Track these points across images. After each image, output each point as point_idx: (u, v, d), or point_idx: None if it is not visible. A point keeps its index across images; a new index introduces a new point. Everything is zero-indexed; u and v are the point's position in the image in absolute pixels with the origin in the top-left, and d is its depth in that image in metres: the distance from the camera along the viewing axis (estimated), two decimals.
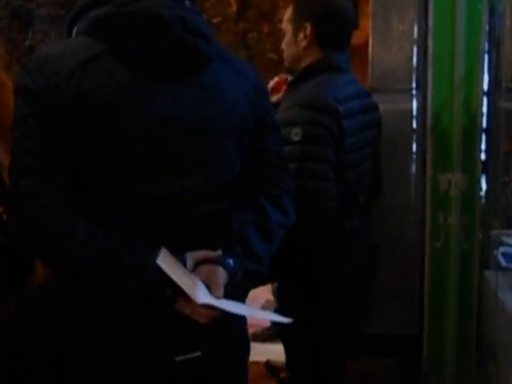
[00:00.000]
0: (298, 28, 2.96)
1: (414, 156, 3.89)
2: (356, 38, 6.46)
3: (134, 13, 1.89)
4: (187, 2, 1.99)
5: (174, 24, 1.89)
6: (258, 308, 1.99)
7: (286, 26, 3.03)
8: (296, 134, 2.69)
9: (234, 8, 8.17)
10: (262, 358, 4.39)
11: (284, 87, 3.65)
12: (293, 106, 2.81)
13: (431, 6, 3.73)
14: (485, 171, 3.82)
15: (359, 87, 3.09)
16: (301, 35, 2.95)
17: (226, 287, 1.92)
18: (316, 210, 2.66)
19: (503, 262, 3.14)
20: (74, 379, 1.99)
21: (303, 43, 2.94)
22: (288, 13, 3.04)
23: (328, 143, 2.72)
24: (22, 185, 1.82)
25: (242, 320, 2.14)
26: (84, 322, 1.96)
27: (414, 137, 3.87)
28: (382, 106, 3.39)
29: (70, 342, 1.98)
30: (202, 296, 1.82)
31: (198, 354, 1.99)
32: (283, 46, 3.06)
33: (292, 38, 2.99)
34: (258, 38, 8.32)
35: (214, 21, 7.82)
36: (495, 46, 3.70)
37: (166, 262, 1.82)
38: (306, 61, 2.96)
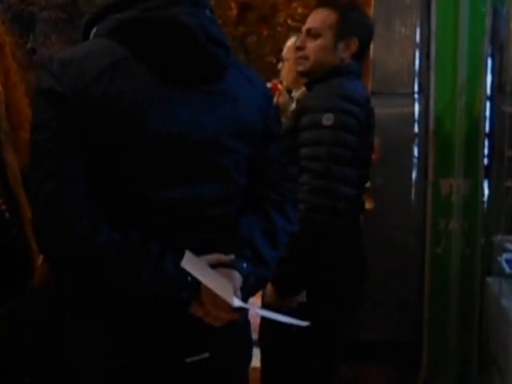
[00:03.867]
0: (341, 37, 3.00)
1: (416, 160, 3.87)
2: None
3: (159, 19, 1.89)
4: (208, 11, 1.99)
5: (197, 33, 1.89)
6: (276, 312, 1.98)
7: (324, 30, 3.04)
8: (328, 118, 2.79)
9: (235, 11, 8.20)
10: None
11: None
12: (329, 96, 2.88)
13: (434, 10, 3.72)
14: (487, 176, 3.79)
15: (366, 93, 3.15)
16: (341, 45, 3.00)
17: (241, 291, 1.91)
18: (334, 195, 2.78)
19: (507, 269, 3.11)
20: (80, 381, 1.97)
21: (344, 54, 3.00)
22: (328, 18, 3.04)
23: (356, 133, 2.82)
24: (46, 188, 1.80)
25: (246, 324, 2.13)
26: (91, 324, 1.93)
27: (416, 141, 3.86)
28: (384, 110, 3.38)
29: (77, 344, 1.97)
30: (236, 299, 1.81)
31: (206, 355, 1.97)
32: (311, 46, 3.05)
33: (331, 45, 3.01)
34: (258, 42, 8.35)
35: None
36: (498, 50, 3.69)
37: (192, 265, 1.80)
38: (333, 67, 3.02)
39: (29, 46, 7.26)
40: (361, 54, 3.05)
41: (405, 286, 4.01)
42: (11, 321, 2.19)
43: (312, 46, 3.04)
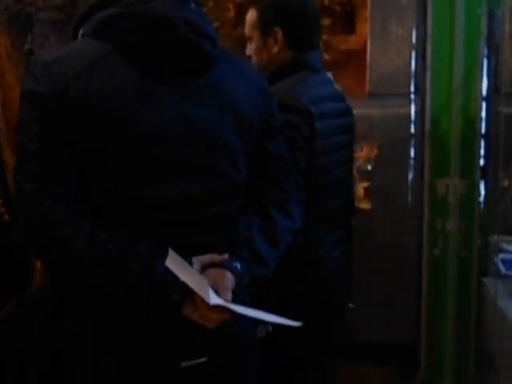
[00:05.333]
0: (266, 33, 2.86)
1: (412, 161, 3.87)
2: (353, 43, 6.44)
3: (139, 13, 1.89)
4: (192, 5, 1.99)
5: (178, 24, 1.89)
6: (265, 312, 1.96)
7: (252, 32, 2.90)
8: None
9: (232, 13, 8.19)
10: None
11: None
12: None
13: (430, 11, 3.71)
14: (484, 176, 3.79)
15: (333, 89, 3.00)
16: (270, 40, 2.85)
17: (234, 291, 1.91)
18: None
19: (503, 269, 3.11)
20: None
21: (275, 48, 2.85)
22: (251, 18, 2.91)
23: (298, 147, 2.63)
24: (27, 189, 1.82)
25: (249, 325, 2.13)
26: (87, 328, 1.94)
27: (412, 142, 3.85)
28: (380, 111, 3.38)
29: (75, 348, 1.98)
30: (213, 297, 1.81)
31: (204, 359, 1.97)
32: (249, 53, 2.93)
33: (261, 44, 2.88)
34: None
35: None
36: (494, 51, 3.68)
37: (174, 263, 1.80)
38: (278, 65, 2.86)
39: (26, 47, 7.25)
40: (300, 42, 2.87)
41: (402, 286, 4.00)
42: (11, 324, 2.20)
43: (249, 51, 2.94)
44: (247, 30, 2.92)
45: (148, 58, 1.89)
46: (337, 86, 3.05)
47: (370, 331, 4.00)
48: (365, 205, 4.09)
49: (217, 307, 1.81)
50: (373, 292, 3.94)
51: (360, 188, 4.17)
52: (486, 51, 3.69)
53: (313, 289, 2.80)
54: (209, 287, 1.82)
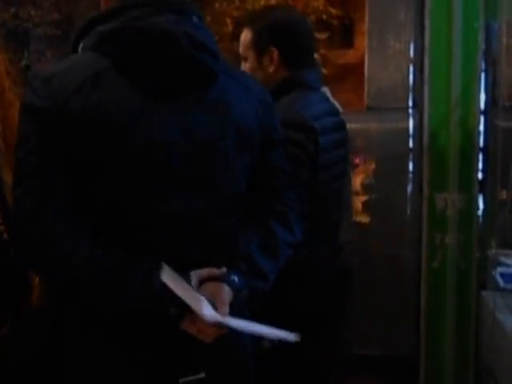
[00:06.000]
0: (261, 53, 2.83)
1: (411, 175, 3.88)
2: (351, 57, 6.46)
3: (140, 28, 1.88)
4: (194, 18, 1.98)
5: (180, 40, 1.88)
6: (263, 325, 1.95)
7: (247, 52, 2.88)
8: None
9: (230, 27, 8.20)
10: None
11: None
12: None
13: (427, 25, 3.72)
14: (482, 190, 3.80)
15: (330, 105, 3.00)
16: (266, 60, 2.83)
17: (232, 305, 1.89)
18: None
19: (501, 283, 3.11)
20: None
21: (271, 68, 2.83)
22: (246, 37, 2.89)
23: (303, 163, 2.64)
24: (25, 204, 1.81)
25: (248, 340, 2.12)
26: (85, 344, 1.93)
27: (411, 156, 3.86)
28: (378, 125, 3.39)
29: (72, 365, 1.97)
30: (208, 312, 1.79)
31: (202, 375, 1.96)
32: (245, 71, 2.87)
33: (256, 64, 2.85)
34: None
35: None
36: (492, 65, 3.69)
37: (169, 278, 1.80)
38: (275, 83, 2.82)
39: (23, 62, 7.26)
40: (296, 61, 2.86)
41: (401, 299, 4.01)
42: (10, 342, 2.19)
43: (244, 70, 2.90)
44: (242, 49, 2.91)
45: (149, 73, 1.89)
46: (332, 101, 3.06)
47: (369, 344, 4.01)
48: (363, 218, 4.10)
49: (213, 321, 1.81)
50: (372, 305, 3.94)
51: (359, 202, 4.18)
52: (483, 65, 3.70)
53: (312, 299, 2.80)
54: (203, 301, 1.81)
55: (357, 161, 4.05)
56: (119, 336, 1.90)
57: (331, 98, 3.11)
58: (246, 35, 2.88)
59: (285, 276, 2.27)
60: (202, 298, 1.81)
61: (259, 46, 2.83)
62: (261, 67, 2.84)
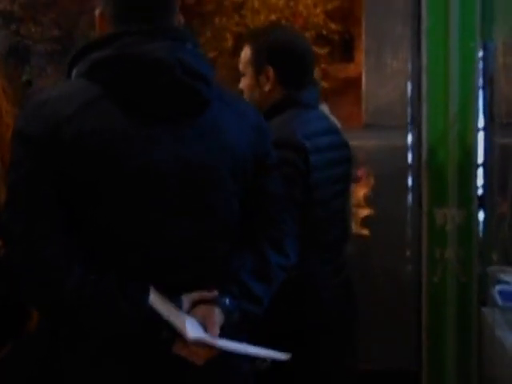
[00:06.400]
0: (258, 71, 2.86)
1: (410, 191, 3.89)
2: (351, 71, 6.48)
3: (133, 56, 1.88)
4: (188, 45, 1.99)
5: (173, 67, 1.88)
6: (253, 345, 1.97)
7: (246, 68, 2.90)
8: None
9: (230, 42, 8.25)
10: None
11: None
12: None
13: (424, 43, 3.74)
14: (482, 206, 3.81)
15: (328, 123, 2.99)
16: (263, 78, 2.85)
17: (223, 328, 1.90)
18: None
19: (500, 301, 3.12)
20: None
21: (267, 86, 2.85)
22: (246, 55, 2.91)
23: (295, 182, 2.64)
24: (16, 231, 1.82)
25: (241, 361, 2.09)
26: (80, 365, 1.93)
27: (410, 172, 3.87)
28: (376, 142, 3.40)
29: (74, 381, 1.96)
30: (192, 331, 1.81)
31: None
32: (242, 87, 2.93)
33: (253, 81, 2.88)
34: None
35: (210, 55, 7.87)
36: (489, 83, 3.71)
37: (157, 301, 1.82)
38: (271, 102, 2.86)
39: (24, 77, 7.29)
40: (293, 81, 2.88)
41: (402, 314, 4.01)
42: (10, 364, 2.19)
43: (242, 85, 2.94)
44: (241, 66, 2.93)
45: (142, 100, 1.89)
46: (333, 119, 3.07)
47: (370, 359, 4.00)
48: (363, 231, 4.12)
49: (203, 343, 1.82)
50: (373, 320, 3.95)
51: (361, 214, 4.20)
52: (481, 82, 3.72)
53: (311, 317, 2.81)
54: (188, 322, 1.83)
55: (359, 174, 4.07)
56: (113, 357, 1.90)
57: (330, 116, 3.11)
58: (245, 52, 2.90)
59: (282, 295, 2.29)
60: (188, 319, 1.83)
61: (257, 64, 2.85)
62: (258, 85, 2.86)
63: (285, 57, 2.85)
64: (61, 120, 1.82)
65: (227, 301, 1.94)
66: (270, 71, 2.82)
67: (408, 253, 3.98)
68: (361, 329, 3.33)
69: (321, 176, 2.74)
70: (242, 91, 2.94)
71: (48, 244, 1.81)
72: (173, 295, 1.88)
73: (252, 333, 2.07)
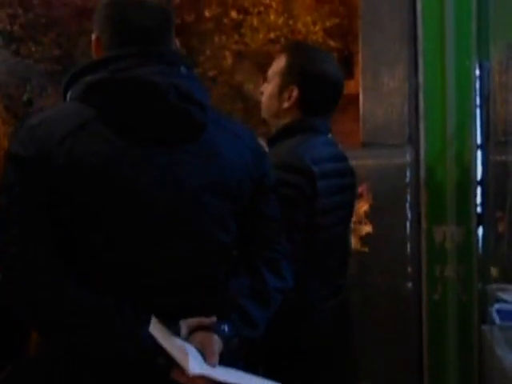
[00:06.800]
0: (285, 85, 2.85)
1: (409, 209, 3.89)
2: (352, 87, 6.49)
3: (126, 80, 1.90)
4: (183, 69, 2.00)
5: (166, 91, 1.90)
6: (253, 375, 1.96)
7: (274, 76, 2.90)
8: None
9: (230, 61, 8.28)
10: None
11: None
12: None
13: (421, 62, 3.75)
14: (481, 223, 3.81)
15: (336, 150, 2.99)
16: (286, 94, 2.84)
17: (222, 354, 1.90)
18: None
19: (497, 320, 3.11)
20: None
21: (286, 104, 2.84)
22: (280, 63, 2.90)
23: (299, 206, 2.64)
24: (9, 253, 1.83)
25: None
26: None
27: (408, 190, 3.87)
28: (374, 161, 3.40)
29: None
30: (194, 366, 1.80)
31: None
32: (262, 90, 2.95)
33: (276, 93, 2.87)
34: (255, 89, 8.40)
35: (210, 74, 7.90)
36: (486, 101, 3.72)
37: (157, 330, 1.82)
38: (285, 119, 2.86)
39: (25, 97, 7.32)
40: (312, 108, 2.86)
41: (403, 333, 4.00)
42: None
43: (263, 89, 2.95)
44: (271, 70, 2.92)
45: (135, 124, 1.90)
46: (339, 147, 3.06)
47: (370, 379, 3.99)
48: (362, 248, 4.12)
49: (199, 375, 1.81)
50: (373, 339, 3.94)
51: (362, 231, 4.20)
52: (478, 101, 3.73)
53: (307, 338, 2.80)
54: (191, 355, 1.82)
55: (360, 190, 4.07)
56: (109, 380, 1.90)
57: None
58: (280, 61, 2.89)
59: (280, 318, 2.29)
60: (189, 351, 1.82)
61: (285, 79, 2.85)
62: (278, 98, 2.86)
63: (314, 87, 2.84)
64: (53, 143, 1.84)
65: (226, 328, 1.95)
66: (295, 91, 2.82)
67: (408, 270, 3.97)
68: (360, 347, 3.33)
69: (326, 202, 2.74)
70: (261, 93, 2.96)
71: (42, 268, 1.82)
72: (171, 320, 1.89)
73: (249, 355, 2.08)
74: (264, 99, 2.94)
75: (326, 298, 2.86)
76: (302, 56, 2.89)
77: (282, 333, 2.58)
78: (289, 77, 2.84)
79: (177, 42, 2.14)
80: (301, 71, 2.83)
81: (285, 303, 2.26)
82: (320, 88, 2.84)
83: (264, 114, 2.95)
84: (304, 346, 2.78)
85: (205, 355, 1.86)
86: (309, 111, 2.85)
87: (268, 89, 2.91)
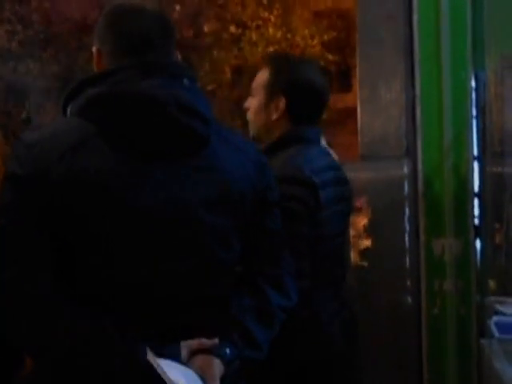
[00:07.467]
0: (271, 98, 2.82)
1: (407, 222, 3.87)
2: (350, 101, 6.49)
3: (126, 93, 1.87)
4: (185, 81, 1.96)
5: (167, 105, 1.86)
6: None
7: (258, 90, 2.86)
8: None
9: (229, 75, 8.28)
10: None
11: None
12: None
13: (417, 74, 3.76)
14: (479, 235, 3.80)
15: (331, 159, 2.98)
16: (272, 106, 2.81)
17: (223, 377, 1.88)
18: None
19: (496, 333, 3.09)
20: None
21: (274, 115, 2.81)
22: (263, 76, 2.86)
23: (303, 219, 2.62)
24: (5, 275, 1.79)
25: None
26: None
27: (406, 203, 3.86)
28: (372, 174, 3.39)
29: None
30: None
31: None
32: (248, 105, 2.90)
33: (262, 106, 2.84)
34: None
35: (209, 88, 7.88)
36: (482, 112, 3.72)
37: (153, 359, 1.78)
38: (275, 132, 2.83)
39: (24, 115, 7.31)
40: (301, 118, 2.85)
41: (403, 347, 3.98)
42: None
43: (248, 104, 2.91)
44: (254, 85, 2.89)
45: (136, 138, 1.87)
46: (334, 156, 3.05)
47: None
48: (362, 262, 4.10)
49: None
50: (372, 353, 3.91)
51: (362, 246, 4.18)
52: (474, 112, 3.73)
53: (313, 353, 2.78)
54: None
55: (359, 204, 4.05)
56: None
57: (332, 152, 3.09)
58: (262, 74, 2.87)
59: (286, 334, 2.26)
60: (187, 379, 1.79)
61: (271, 91, 2.82)
62: (265, 111, 2.82)
63: (301, 95, 2.82)
64: (51, 161, 1.81)
65: (228, 351, 1.91)
66: (282, 102, 2.80)
67: (407, 284, 3.95)
68: (360, 362, 3.31)
69: (328, 212, 2.72)
70: (246, 110, 2.92)
71: (38, 291, 1.79)
72: (171, 342, 1.86)
73: (252, 372, 2.05)
74: (251, 115, 2.90)
75: (333, 312, 2.84)
76: (285, 66, 2.87)
77: (287, 347, 2.55)
78: (274, 88, 2.82)
79: (178, 55, 2.10)
80: (286, 80, 2.82)
81: (292, 319, 2.24)
82: (306, 95, 2.83)
83: (253, 129, 2.90)
84: (309, 361, 2.75)
85: (205, 379, 1.84)
86: (297, 120, 2.83)
87: (253, 103, 2.87)
